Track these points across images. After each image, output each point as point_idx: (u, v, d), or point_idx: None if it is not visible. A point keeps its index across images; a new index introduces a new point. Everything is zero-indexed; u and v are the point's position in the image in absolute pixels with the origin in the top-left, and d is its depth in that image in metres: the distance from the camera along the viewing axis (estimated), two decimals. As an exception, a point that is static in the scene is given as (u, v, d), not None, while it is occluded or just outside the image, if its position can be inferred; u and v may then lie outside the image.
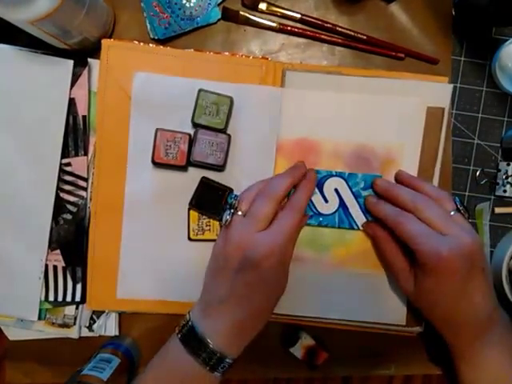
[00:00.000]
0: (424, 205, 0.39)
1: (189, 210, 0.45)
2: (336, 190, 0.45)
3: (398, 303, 0.45)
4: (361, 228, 0.44)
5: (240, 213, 0.40)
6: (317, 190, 0.44)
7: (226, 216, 0.40)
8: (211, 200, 0.44)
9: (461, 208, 0.39)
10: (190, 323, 0.38)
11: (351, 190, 0.44)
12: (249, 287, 0.38)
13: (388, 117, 0.45)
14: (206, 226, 0.45)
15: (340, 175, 0.45)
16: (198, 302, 0.40)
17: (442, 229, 0.37)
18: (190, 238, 0.45)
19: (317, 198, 0.45)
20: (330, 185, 0.45)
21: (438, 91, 0.45)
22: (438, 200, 0.40)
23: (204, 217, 0.45)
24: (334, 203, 0.45)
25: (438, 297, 0.38)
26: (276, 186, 0.41)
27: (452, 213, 0.39)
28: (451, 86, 0.45)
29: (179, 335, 0.38)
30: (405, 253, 0.41)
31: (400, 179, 0.44)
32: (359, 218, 0.44)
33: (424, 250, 0.37)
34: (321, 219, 0.45)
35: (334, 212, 0.45)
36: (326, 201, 0.45)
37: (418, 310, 0.42)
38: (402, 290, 0.42)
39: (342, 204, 0.45)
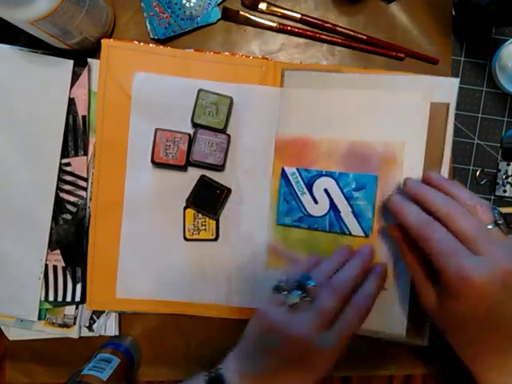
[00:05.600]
0: (458, 214, 0.33)
1: (184, 209, 0.45)
2: (326, 191, 0.43)
3: (398, 314, 0.42)
4: (357, 234, 0.42)
5: (309, 298, 0.36)
6: (306, 191, 0.43)
7: (296, 298, 0.36)
8: (209, 198, 0.44)
9: (500, 222, 0.33)
10: (220, 376, 0.35)
11: (342, 191, 0.43)
12: (295, 379, 0.34)
13: (388, 113, 0.43)
14: (202, 225, 0.45)
15: (330, 175, 0.43)
16: (234, 358, 0.37)
17: (476, 246, 0.31)
18: (185, 238, 0.45)
19: (306, 199, 0.43)
20: (319, 185, 0.43)
21: (443, 86, 0.42)
22: (472, 208, 0.34)
23: (200, 216, 0.45)
24: (324, 205, 0.43)
25: (462, 322, 0.33)
26: (345, 279, 0.37)
27: (490, 226, 0.33)
28: (457, 79, 0.42)
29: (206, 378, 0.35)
30: (429, 265, 0.35)
31: (428, 180, 0.38)
32: (352, 223, 0.42)
33: (449, 273, 0.31)
34: (311, 222, 0.43)
35: (325, 215, 0.43)
36: (316, 202, 0.43)
37: (439, 331, 0.37)
38: (422, 306, 0.37)
39: (333, 206, 0.43)
